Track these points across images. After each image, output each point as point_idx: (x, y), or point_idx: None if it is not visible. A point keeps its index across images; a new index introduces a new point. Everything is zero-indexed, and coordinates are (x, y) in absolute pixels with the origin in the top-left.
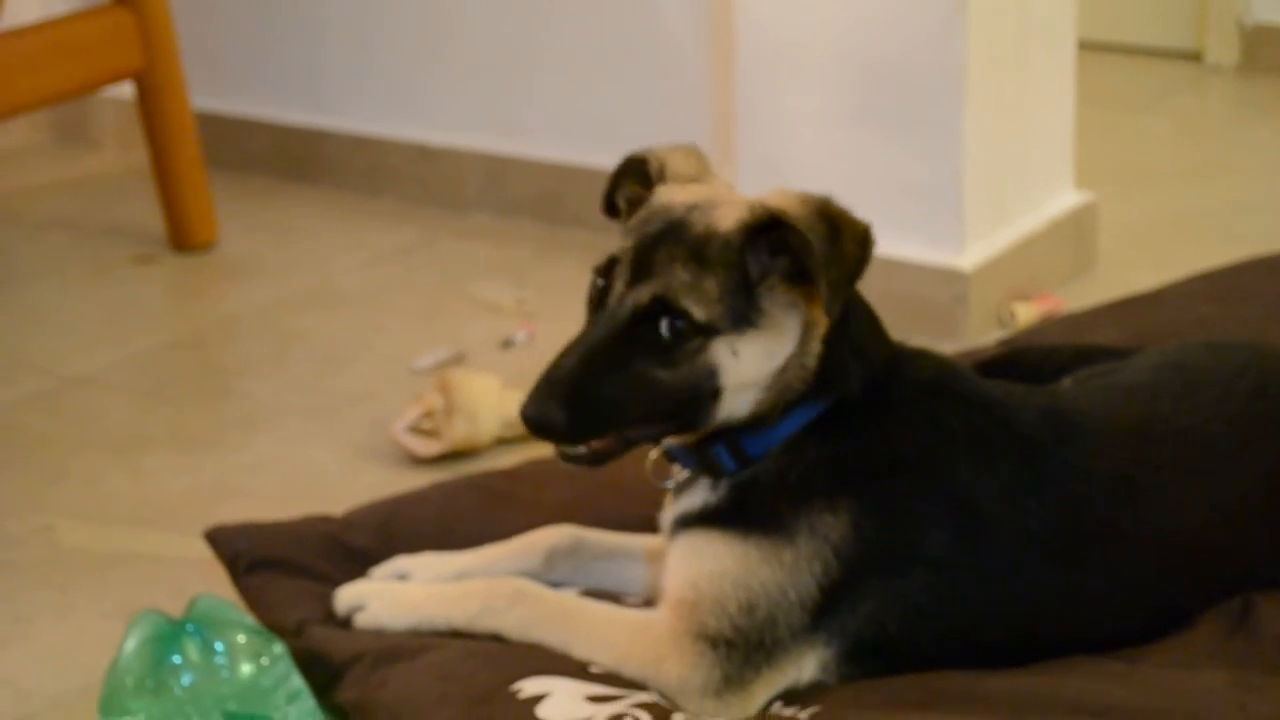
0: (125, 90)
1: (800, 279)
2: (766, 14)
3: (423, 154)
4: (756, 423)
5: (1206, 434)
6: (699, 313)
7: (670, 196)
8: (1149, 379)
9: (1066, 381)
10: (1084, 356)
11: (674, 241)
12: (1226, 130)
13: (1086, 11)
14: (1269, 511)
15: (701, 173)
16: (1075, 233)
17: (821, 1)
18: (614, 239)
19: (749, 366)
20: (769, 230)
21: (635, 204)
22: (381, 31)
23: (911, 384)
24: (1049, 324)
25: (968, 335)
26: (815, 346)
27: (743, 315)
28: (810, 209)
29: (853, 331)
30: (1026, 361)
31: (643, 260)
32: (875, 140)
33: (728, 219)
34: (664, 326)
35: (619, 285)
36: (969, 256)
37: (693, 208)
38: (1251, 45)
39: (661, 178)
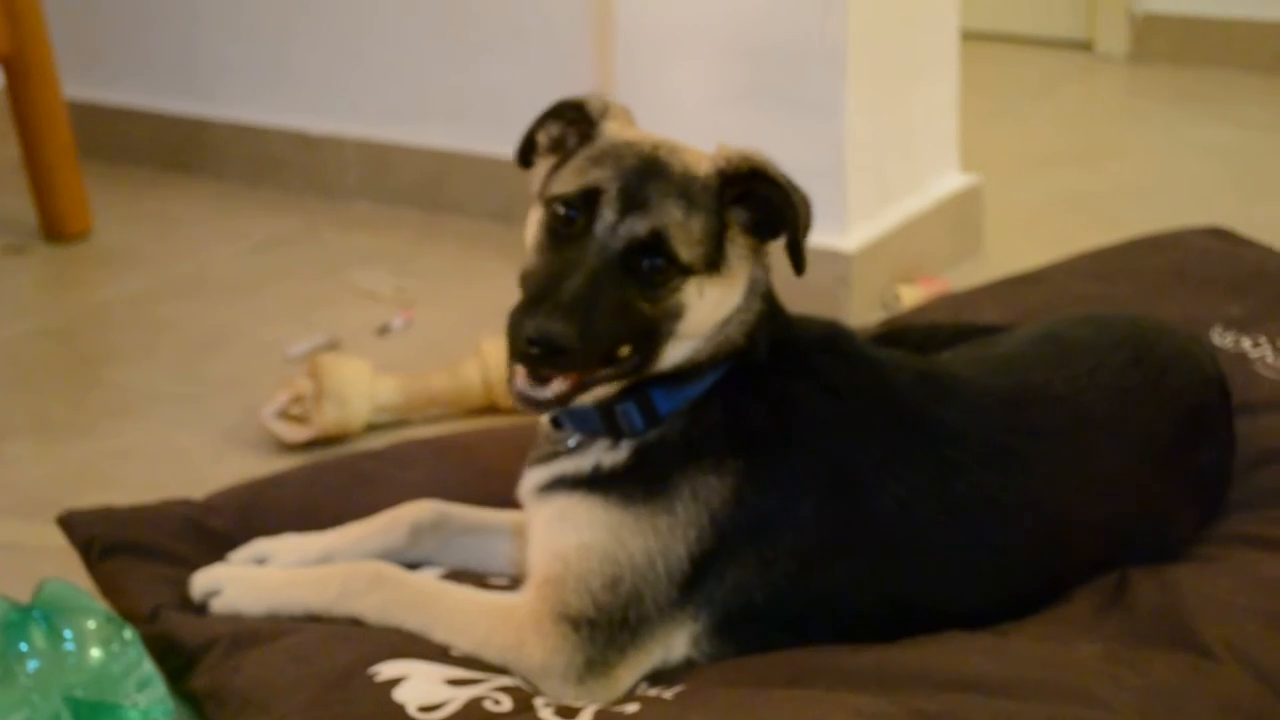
0: None
1: (754, 232)
2: None
3: (304, 142)
4: (680, 376)
5: (1081, 403)
6: (684, 253)
7: (623, 134)
8: (1024, 349)
9: (946, 355)
10: (965, 334)
11: (661, 178)
12: (1115, 117)
13: (980, 2)
14: (1143, 483)
15: (629, 124)
16: (960, 215)
17: None
18: (492, 227)
19: (708, 310)
20: (741, 181)
21: (558, 142)
22: (261, 19)
23: (804, 343)
24: (932, 303)
25: (850, 318)
26: (756, 303)
27: (713, 260)
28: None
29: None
30: (908, 340)
31: (634, 193)
32: (757, 121)
33: (701, 164)
34: (646, 264)
35: (609, 214)
36: (852, 238)
37: (658, 147)
38: (1141, 34)
39: (605, 115)
